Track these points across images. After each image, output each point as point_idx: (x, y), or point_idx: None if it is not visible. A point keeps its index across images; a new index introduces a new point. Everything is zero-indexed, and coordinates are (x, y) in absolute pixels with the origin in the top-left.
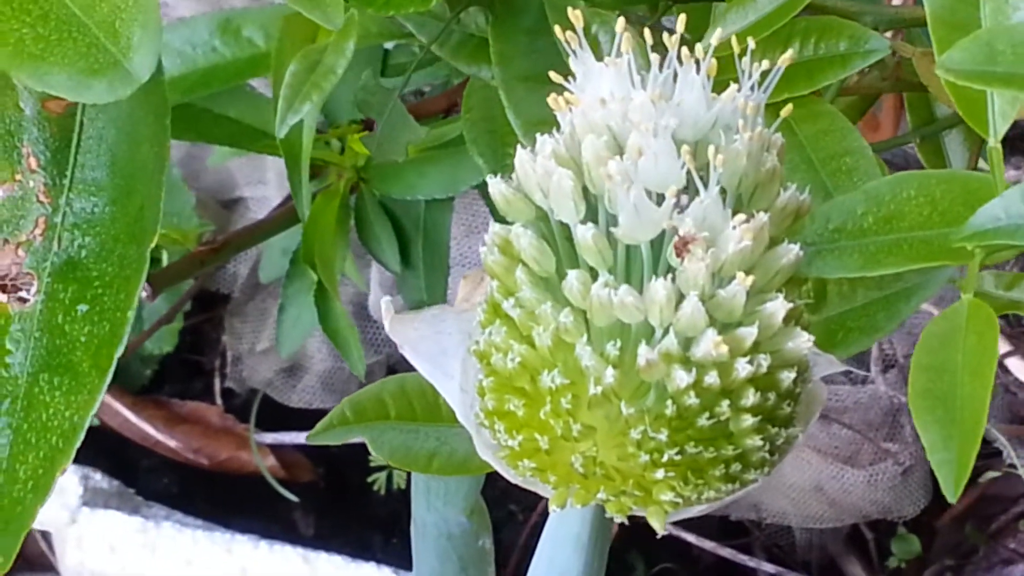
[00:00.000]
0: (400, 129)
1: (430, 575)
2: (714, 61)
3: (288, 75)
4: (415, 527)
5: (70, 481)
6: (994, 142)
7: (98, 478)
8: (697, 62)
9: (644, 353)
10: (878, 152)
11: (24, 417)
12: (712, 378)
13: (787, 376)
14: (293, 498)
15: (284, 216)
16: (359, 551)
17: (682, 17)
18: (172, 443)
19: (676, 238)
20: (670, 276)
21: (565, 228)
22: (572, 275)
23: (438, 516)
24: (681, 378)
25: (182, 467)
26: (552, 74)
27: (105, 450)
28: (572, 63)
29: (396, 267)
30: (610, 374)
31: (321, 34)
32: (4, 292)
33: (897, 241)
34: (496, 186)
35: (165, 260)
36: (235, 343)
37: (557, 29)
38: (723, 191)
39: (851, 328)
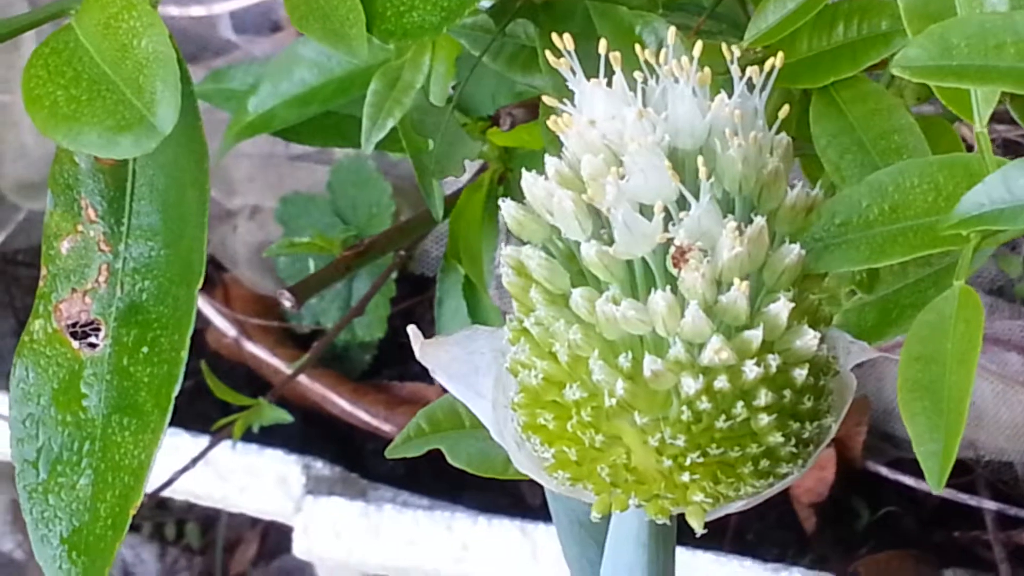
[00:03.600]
0: (456, 145)
1: (575, 559)
2: (707, 69)
3: (370, 93)
4: (553, 514)
5: (292, 471)
6: (980, 127)
7: (319, 466)
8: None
9: (648, 364)
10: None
11: (102, 457)
12: (722, 382)
13: (799, 373)
14: None
15: (425, 215)
16: None
17: (672, 29)
18: (387, 427)
19: (673, 249)
20: (670, 287)
21: (577, 245)
22: (577, 292)
23: (566, 505)
24: (689, 385)
25: None
26: (545, 98)
27: (329, 438)
28: (570, 84)
29: None
30: (620, 386)
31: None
32: (76, 339)
33: (903, 230)
34: (508, 209)
35: (312, 267)
36: None
37: (548, 55)
38: (728, 196)
39: (905, 305)
